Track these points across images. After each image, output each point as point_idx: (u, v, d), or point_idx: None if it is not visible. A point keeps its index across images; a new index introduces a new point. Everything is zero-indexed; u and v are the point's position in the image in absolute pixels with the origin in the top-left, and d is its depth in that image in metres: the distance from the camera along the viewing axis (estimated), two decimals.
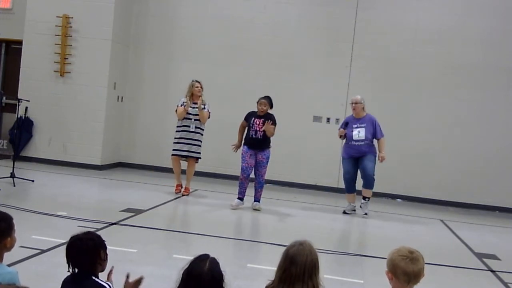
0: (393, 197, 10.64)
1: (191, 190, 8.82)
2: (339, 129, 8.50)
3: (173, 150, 8.50)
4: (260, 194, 8.10)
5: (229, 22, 11.00)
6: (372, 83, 10.56)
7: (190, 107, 8.39)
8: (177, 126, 8.53)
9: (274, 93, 10.57)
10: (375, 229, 7.67)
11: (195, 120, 8.41)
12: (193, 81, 8.57)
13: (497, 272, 5.70)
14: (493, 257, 6.45)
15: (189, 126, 8.40)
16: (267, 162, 8.06)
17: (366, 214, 8.23)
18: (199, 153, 8.54)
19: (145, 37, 11.31)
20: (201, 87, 8.50)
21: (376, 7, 10.75)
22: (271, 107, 8.12)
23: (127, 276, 2.81)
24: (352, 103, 8.32)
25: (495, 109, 10.43)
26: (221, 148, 10.80)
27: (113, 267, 2.87)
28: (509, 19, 10.40)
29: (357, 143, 8.12)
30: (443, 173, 10.49)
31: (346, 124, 8.29)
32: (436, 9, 10.63)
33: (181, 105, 8.43)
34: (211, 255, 2.46)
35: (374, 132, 8.21)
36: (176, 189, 8.64)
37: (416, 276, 2.59)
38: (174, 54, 11.19)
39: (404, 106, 10.62)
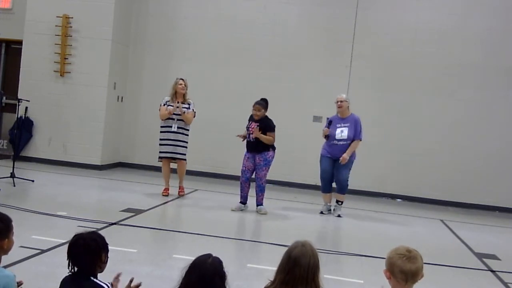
0: (393, 197, 10.64)
1: (192, 190, 8.81)
2: (323, 128, 8.29)
3: (159, 152, 8.26)
4: (262, 198, 7.92)
5: (229, 22, 11.00)
6: (372, 83, 10.56)
7: (172, 105, 8.06)
8: (161, 127, 8.24)
9: (274, 93, 10.64)
10: (375, 229, 7.66)
11: (178, 120, 8.10)
12: (177, 79, 8.29)
13: (497, 272, 5.70)
14: (493, 257, 6.45)
15: (170, 127, 8.10)
16: (265, 164, 7.81)
17: (339, 216, 8.13)
18: (184, 154, 8.28)
19: (145, 37, 11.31)
20: (185, 85, 8.17)
21: (376, 7, 10.75)
22: (266, 109, 7.82)
23: (130, 281, 2.83)
24: (337, 101, 8.15)
25: (495, 109, 10.44)
26: (221, 148, 10.81)
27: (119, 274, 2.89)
28: (509, 19, 10.40)
29: (339, 143, 8.02)
30: (443, 173, 10.49)
31: (330, 123, 8.11)
32: (436, 9, 10.62)
33: (164, 105, 8.16)
34: (212, 255, 2.48)
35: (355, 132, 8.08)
36: (163, 192, 8.30)
37: (413, 275, 2.59)
38: (174, 54, 11.19)
39: (404, 106, 10.62)
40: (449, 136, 10.53)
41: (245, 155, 7.91)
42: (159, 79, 11.23)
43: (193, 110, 8.23)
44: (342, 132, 8.02)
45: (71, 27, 10.46)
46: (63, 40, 10.43)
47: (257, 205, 7.93)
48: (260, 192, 7.91)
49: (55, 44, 10.48)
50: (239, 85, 10.87)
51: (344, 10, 10.75)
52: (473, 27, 10.48)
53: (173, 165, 8.48)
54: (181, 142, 8.20)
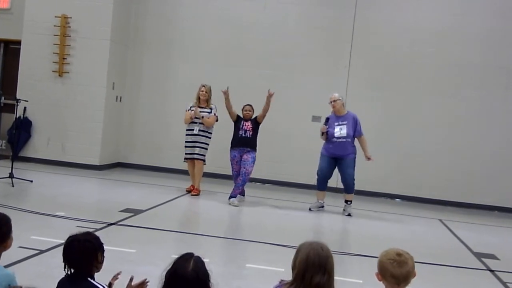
0: (393, 197, 10.63)
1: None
2: (321, 126, 8.30)
3: (184, 154, 8.82)
4: (239, 192, 8.28)
5: (229, 22, 10.99)
6: (371, 83, 10.56)
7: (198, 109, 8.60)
8: (186, 130, 8.75)
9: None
10: (374, 229, 7.66)
11: (199, 123, 8.58)
12: (200, 85, 8.77)
13: (496, 272, 5.70)
14: (492, 257, 6.44)
15: (192, 130, 8.61)
16: (253, 162, 8.27)
17: (350, 215, 8.17)
18: (202, 155, 8.67)
19: (144, 37, 11.30)
20: (206, 91, 8.66)
21: (375, 7, 10.75)
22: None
23: (131, 279, 2.82)
24: (331, 101, 8.18)
25: (495, 109, 10.43)
26: (219, 148, 10.77)
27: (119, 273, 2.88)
28: (509, 19, 10.40)
29: (339, 140, 8.05)
30: (442, 173, 10.48)
31: (327, 120, 8.13)
32: (435, 9, 10.62)
33: (188, 110, 8.66)
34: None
35: (355, 130, 8.13)
36: (187, 188, 8.96)
37: (405, 278, 2.61)
38: (173, 54, 11.18)
39: (403, 106, 10.62)
40: (448, 136, 10.52)
41: (234, 158, 8.35)
42: (158, 79, 11.23)
43: (214, 114, 8.67)
44: (341, 130, 8.06)
45: (69, 27, 10.44)
46: (62, 40, 10.41)
47: (232, 197, 8.19)
48: (241, 185, 8.27)
49: (54, 44, 10.46)
50: (239, 85, 10.83)
51: (343, 10, 10.75)
52: (473, 27, 10.48)
53: None
54: (200, 144, 8.67)
